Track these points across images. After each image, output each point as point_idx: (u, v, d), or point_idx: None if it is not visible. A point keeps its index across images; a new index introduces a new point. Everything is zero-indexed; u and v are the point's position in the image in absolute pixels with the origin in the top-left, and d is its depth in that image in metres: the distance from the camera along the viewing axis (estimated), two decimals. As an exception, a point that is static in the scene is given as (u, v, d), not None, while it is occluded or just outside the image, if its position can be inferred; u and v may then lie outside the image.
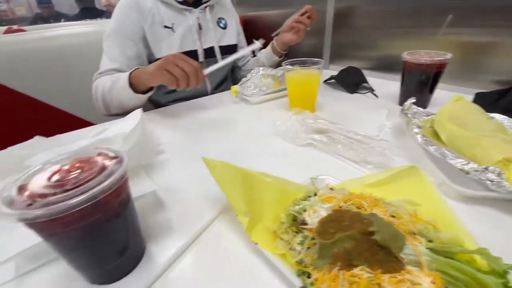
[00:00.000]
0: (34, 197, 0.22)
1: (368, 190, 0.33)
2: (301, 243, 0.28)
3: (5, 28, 1.51)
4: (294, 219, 0.31)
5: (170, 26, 0.80)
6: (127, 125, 0.42)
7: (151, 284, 0.28)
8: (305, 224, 0.30)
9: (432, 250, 0.24)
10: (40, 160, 0.36)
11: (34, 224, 0.23)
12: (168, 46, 0.80)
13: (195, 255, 0.31)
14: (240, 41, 1.02)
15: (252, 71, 0.77)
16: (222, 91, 0.89)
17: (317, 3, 1.01)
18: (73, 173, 0.25)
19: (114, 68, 0.75)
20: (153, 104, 0.89)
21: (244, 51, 0.71)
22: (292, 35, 0.85)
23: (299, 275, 0.25)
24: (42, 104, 0.95)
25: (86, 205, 0.22)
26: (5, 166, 0.43)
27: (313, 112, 0.65)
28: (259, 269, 0.29)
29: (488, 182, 0.33)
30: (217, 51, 0.89)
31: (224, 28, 0.93)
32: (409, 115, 0.48)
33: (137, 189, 0.38)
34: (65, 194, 0.22)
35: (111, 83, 0.69)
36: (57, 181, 0.24)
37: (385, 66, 0.91)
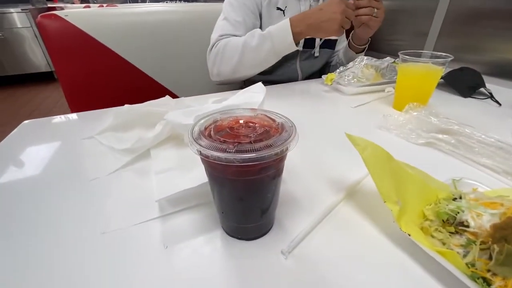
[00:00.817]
0: (227, 143, 0.23)
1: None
2: (465, 246, 0.25)
3: (96, 5, 1.66)
4: (447, 219, 0.28)
5: (282, 8, 0.80)
6: (253, 96, 0.43)
7: (290, 251, 0.28)
8: (465, 226, 0.27)
9: None
10: (180, 116, 0.39)
11: (222, 166, 0.23)
12: None
13: (326, 233, 0.31)
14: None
15: (356, 59, 0.73)
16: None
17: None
18: (251, 128, 0.26)
19: (238, 35, 0.75)
20: (243, 82, 0.91)
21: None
22: (362, 29, 0.76)
23: (473, 279, 0.23)
24: (141, 72, 1.04)
25: (274, 158, 0.23)
26: (141, 116, 0.48)
27: (424, 105, 0.59)
28: (403, 261, 0.27)
29: None
30: (317, 42, 0.87)
31: None
32: None
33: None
34: (254, 145, 0.23)
35: (257, 40, 0.70)
36: (241, 132, 0.25)
37: (506, 71, 0.79)
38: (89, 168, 0.43)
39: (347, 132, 0.32)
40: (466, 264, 0.24)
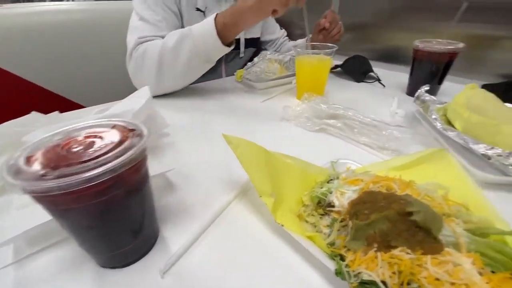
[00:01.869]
0: (45, 168, 0.20)
1: (393, 173, 0.32)
2: (330, 226, 0.27)
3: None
4: (319, 202, 0.30)
5: (202, 9, 0.75)
6: (135, 102, 0.39)
7: (168, 269, 0.26)
8: (332, 206, 0.28)
9: (469, 231, 0.24)
10: (40, 136, 0.33)
11: (46, 198, 0.20)
12: None
13: (212, 239, 0.29)
14: (269, 26, 0.99)
15: (259, 55, 0.74)
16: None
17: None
18: (88, 144, 0.22)
19: (161, 36, 0.64)
20: None
21: None
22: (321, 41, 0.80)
23: (332, 258, 0.24)
24: (31, 84, 0.89)
25: (104, 178, 0.20)
26: (13, 139, 0.40)
27: (321, 95, 0.63)
28: (284, 252, 0.27)
29: (511, 167, 0.32)
30: (242, 43, 0.85)
31: None
32: (425, 100, 0.47)
33: (150, 169, 0.36)
34: (83, 165, 0.20)
35: (176, 39, 0.59)
36: (70, 152, 0.21)
37: (391, 57, 0.90)
38: None
39: (224, 133, 0.31)
40: (327, 244, 0.25)
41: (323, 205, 0.29)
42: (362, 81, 0.76)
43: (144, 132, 0.24)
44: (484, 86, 0.61)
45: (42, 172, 0.19)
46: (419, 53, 0.60)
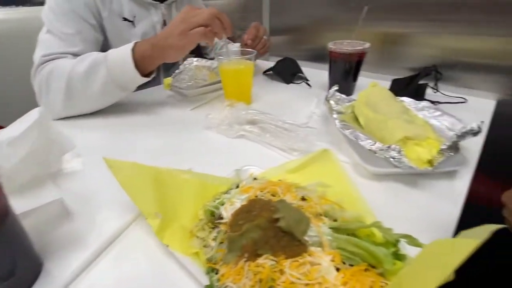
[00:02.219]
0: None
1: (287, 176, 0.34)
2: (215, 239, 0.27)
3: None
4: (213, 215, 0.30)
5: (131, 19, 0.69)
6: (17, 130, 0.36)
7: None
8: (222, 218, 0.29)
9: (334, 229, 0.25)
10: None
11: None
12: (127, 42, 0.59)
13: (104, 267, 0.28)
14: None
15: (185, 62, 0.73)
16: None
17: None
18: None
19: (72, 52, 0.58)
20: None
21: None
22: None
23: (207, 273, 0.24)
24: None
25: None
26: None
27: (249, 104, 0.64)
28: (173, 272, 0.27)
29: (391, 159, 0.36)
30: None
31: None
32: (332, 102, 0.50)
33: (37, 200, 0.33)
34: None
35: (88, 65, 0.54)
36: None
37: (318, 56, 0.95)
38: None
39: (105, 159, 0.30)
40: (207, 259, 0.25)
41: (215, 218, 0.30)
42: (291, 82, 0.79)
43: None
44: (394, 80, 0.68)
45: None
46: (333, 54, 0.64)
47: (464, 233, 0.17)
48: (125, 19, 0.69)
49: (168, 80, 0.72)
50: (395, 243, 0.24)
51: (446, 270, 0.14)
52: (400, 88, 0.62)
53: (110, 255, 0.29)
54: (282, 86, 0.78)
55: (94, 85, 0.55)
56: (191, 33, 0.51)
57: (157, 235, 0.27)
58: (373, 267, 0.23)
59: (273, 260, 0.22)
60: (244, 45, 0.76)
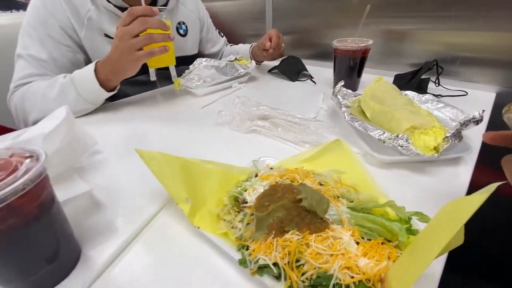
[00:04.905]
0: None
1: (303, 165, 0.36)
2: (242, 221, 0.30)
3: None
4: (237, 200, 0.32)
5: (112, 36, 0.68)
6: (48, 126, 0.38)
7: (89, 286, 0.26)
8: (246, 202, 0.31)
9: (352, 208, 0.28)
10: None
11: None
12: None
13: (138, 251, 0.30)
14: (210, 39, 0.97)
15: (194, 62, 0.75)
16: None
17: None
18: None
19: (44, 77, 0.62)
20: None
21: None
22: (263, 57, 0.88)
23: (239, 249, 0.26)
24: None
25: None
26: None
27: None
28: (203, 252, 0.29)
29: (399, 147, 0.38)
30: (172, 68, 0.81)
31: (185, 35, 0.84)
32: (339, 96, 0.53)
33: (67, 192, 0.35)
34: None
35: (58, 90, 0.59)
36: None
37: (322, 54, 0.98)
38: None
39: (136, 149, 0.32)
40: (236, 238, 0.28)
41: (239, 203, 0.32)
42: (296, 80, 0.81)
43: (41, 156, 0.24)
44: (396, 76, 0.70)
45: None
46: (338, 51, 0.66)
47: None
48: (107, 36, 0.70)
49: (178, 80, 0.74)
50: (408, 220, 0.27)
51: (457, 225, 0.17)
52: (403, 83, 0.65)
53: (142, 240, 0.31)
54: (287, 83, 0.81)
55: (68, 104, 0.57)
56: (139, 55, 0.55)
57: (188, 218, 0.29)
58: (389, 241, 0.26)
59: (299, 235, 0.25)
60: (263, 50, 0.81)
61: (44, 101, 0.59)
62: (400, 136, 0.38)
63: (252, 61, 0.82)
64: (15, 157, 0.25)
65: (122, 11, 0.68)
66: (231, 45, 1.05)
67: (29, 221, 0.23)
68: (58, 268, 0.27)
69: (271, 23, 1.08)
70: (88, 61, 0.71)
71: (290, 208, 0.27)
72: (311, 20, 0.99)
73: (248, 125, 0.53)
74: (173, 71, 0.73)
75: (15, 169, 0.23)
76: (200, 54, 0.94)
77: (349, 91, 0.57)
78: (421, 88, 0.64)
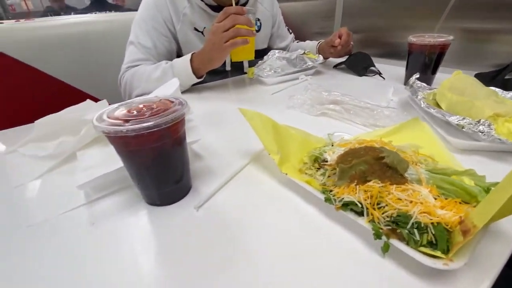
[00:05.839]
0: (120, 120, 0.29)
1: (378, 139, 0.39)
2: (323, 174, 0.35)
3: (13, 21, 1.50)
4: (316, 160, 0.38)
5: (200, 30, 0.82)
6: (167, 90, 0.48)
7: (201, 205, 0.34)
8: (326, 161, 0.36)
9: (430, 171, 0.31)
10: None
11: (119, 139, 0.29)
12: (197, 50, 0.75)
13: (233, 189, 0.38)
14: (280, 34, 1.05)
15: (268, 53, 0.83)
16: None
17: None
18: (145, 109, 0.31)
19: (149, 61, 0.78)
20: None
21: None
22: (330, 54, 0.93)
23: (323, 192, 0.31)
24: (61, 82, 1.01)
25: (158, 128, 0.28)
26: (64, 123, 0.50)
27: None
28: (289, 196, 0.35)
29: (480, 133, 0.39)
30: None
31: (258, 30, 0.94)
32: (414, 86, 0.54)
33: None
34: (146, 118, 0.29)
35: (160, 73, 0.73)
36: (136, 114, 0.30)
37: (390, 52, 0.97)
38: (13, 177, 0.44)
39: (242, 107, 0.40)
40: (320, 184, 0.33)
41: (319, 162, 0.37)
42: (364, 75, 0.83)
43: (184, 102, 0.33)
44: (476, 75, 0.67)
45: (118, 122, 0.28)
46: (413, 46, 0.67)
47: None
48: (195, 29, 0.82)
49: (252, 69, 0.83)
50: (487, 190, 0.29)
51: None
52: (485, 81, 0.62)
53: (237, 181, 0.39)
54: (355, 78, 0.83)
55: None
56: (225, 46, 0.65)
57: (278, 166, 0.35)
58: (467, 203, 0.28)
59: (381, 184, 0.29)
60: (331, 46, 0.85)
61: (148, 80, 0.74)
62: (482, 121, 0.38)
63: (320, 55, 0.87)
64: (163, 101, 0.34)
65: (211, 9, 0.81)
66: (297, 42, 1.11)
67: (174, 143, 0.32)
68: (180, 189, 0.36)
69: (340, 21, 1.11)
70: (179, 50, 0.85)
71: (372, 164, 0.31)
72: (381, 19, 0.99)
73: (318, 108, 0.58)
74: (246, 64, 0.83)
75: (169, 107, 0.31)
76: (269, 49, 1.02)
77: (424, 84, 0.57)
78: (506, 88, 0.61)
